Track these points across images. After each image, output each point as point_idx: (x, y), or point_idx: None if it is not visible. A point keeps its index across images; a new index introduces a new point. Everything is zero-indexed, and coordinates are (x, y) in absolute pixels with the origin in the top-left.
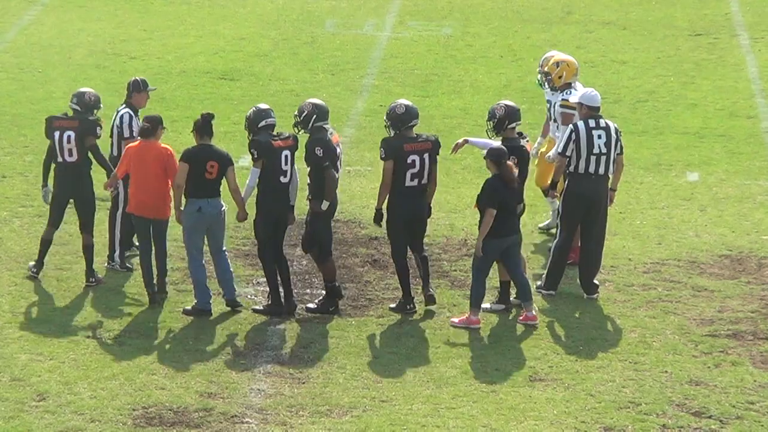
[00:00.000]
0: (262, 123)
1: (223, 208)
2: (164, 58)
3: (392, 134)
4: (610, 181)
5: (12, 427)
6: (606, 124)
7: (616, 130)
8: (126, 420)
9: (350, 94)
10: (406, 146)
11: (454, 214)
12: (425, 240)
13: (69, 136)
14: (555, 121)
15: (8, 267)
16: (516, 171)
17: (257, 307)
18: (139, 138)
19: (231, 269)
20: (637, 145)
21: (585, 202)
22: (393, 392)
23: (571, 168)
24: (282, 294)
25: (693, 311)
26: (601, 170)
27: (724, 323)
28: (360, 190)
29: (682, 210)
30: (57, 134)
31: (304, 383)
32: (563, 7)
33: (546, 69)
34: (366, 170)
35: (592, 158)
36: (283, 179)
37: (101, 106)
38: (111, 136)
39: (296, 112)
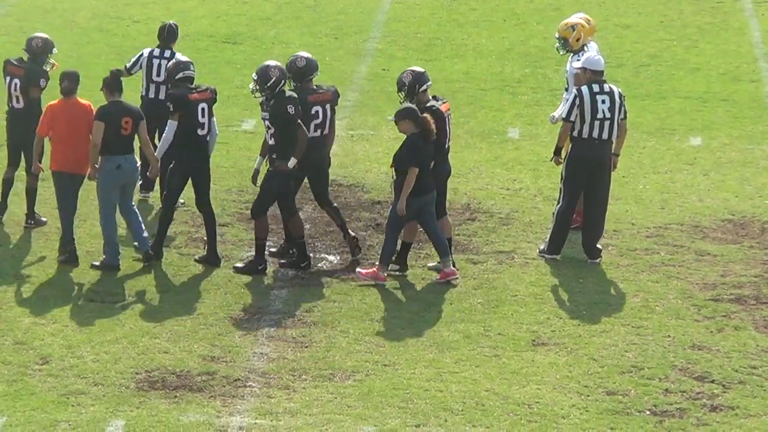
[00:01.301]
0: (180, 75)
1: (138, 164)
2: (166, 21)
3: (293, 86)
4: (613, 145)
5: (15, 391)
6: (610, 88)
7: (620, 95)
8: (129, 383)
9: (353, 58)
10: (309, 98)
11: (457, 179)
12: None
13: (15, 83)
14: (567, 83)
15: (12, 230)
16: (433, 124)
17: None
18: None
19: (142, 222)
20: (640, 110)
21: (588, 167)
22: (396, 356)
23: (575, 133)
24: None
25: (696, 276)
26: (605, 135)
27: (726, 288)
28: (363, 154)
29: (685, 174)
30: (8, 79)
31: (306, 347)
32: None
33: (562, 34)
34: (369, 134)
35: (596, 123)
36: (200, 131)
37: (53, 51)
38: (164, 82)
39: (256, 77)
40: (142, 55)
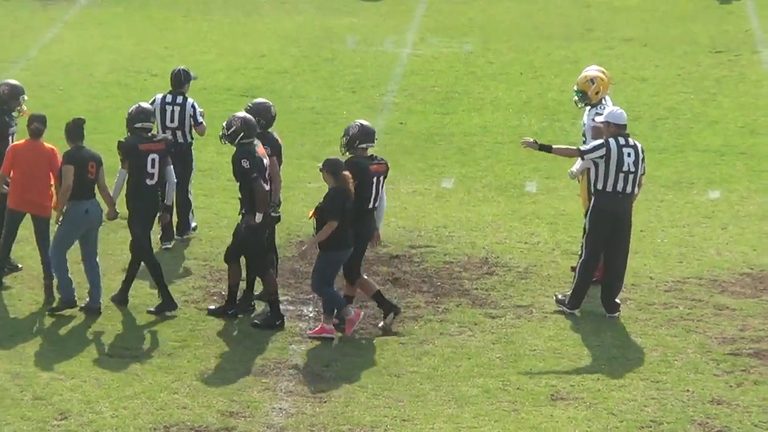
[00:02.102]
0: (138, 125)
1: (102, 211)
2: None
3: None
4: None
5: None
6: (634, 143)
7: (642, 150)
8: None
9: (370, 112)
10: (258, 150)
11: (475, 233)
12: None
13: None
14: (584, 136)
15: (29, 285)
16: (352, 183)
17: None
18: (30, 137)
19: (101, 277)
20: (658, 163)
21: (611, 220)
22: (414, 411)
23: (599, 185)
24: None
25: (714, 330)
26: (629, 188)
27: (745, 342)
28: None
29: (704, 228)
30: None
31: (325, 402)
32: (584, 23)
33: (581, 87)
34: (387, 188)
35: (621, 176)
36: (149, 181)
37: (23, 97)
38: (179, 128)
39: (224, 125)
40: (155, 100)
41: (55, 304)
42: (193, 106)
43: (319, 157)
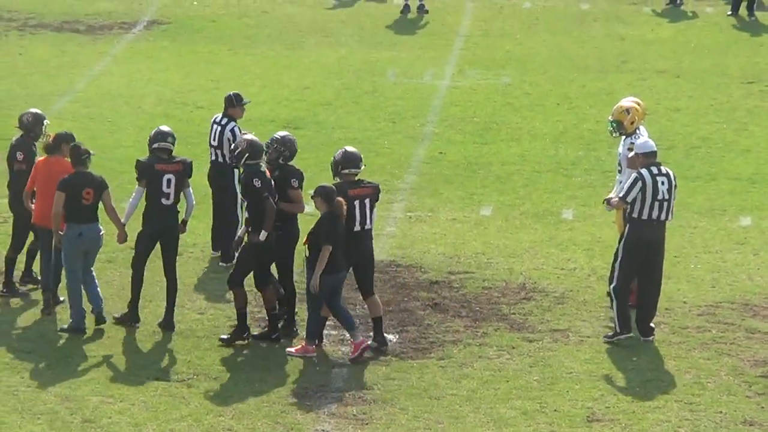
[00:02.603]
0: (155, 145)
1: (101, 233)
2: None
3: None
4: None
5: None
6: (666, 171)
7: (674, 177)
8: None
9: (411, 142)
10: (267, 173)
11: (513, 259)
12: None
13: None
14: (619, 165)
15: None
16: (345, 208)
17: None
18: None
19: (98, 286)
20: (691, 191)
21: (646, 248)
22: None
23: (635, 214)
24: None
25: (747, 353)
26: (663, 216)
27: None
28: (421, 235)
29: (736, 254)
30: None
31: (367, 424)
32: (618, 55)
33: (617, 117)
34: (426, 216)
35: (656, 204)
36: (164, 201)
37: (45, 122)
38: (218, 147)
39: (231, 147)
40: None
41: (66, 326)
42: (232, 131)
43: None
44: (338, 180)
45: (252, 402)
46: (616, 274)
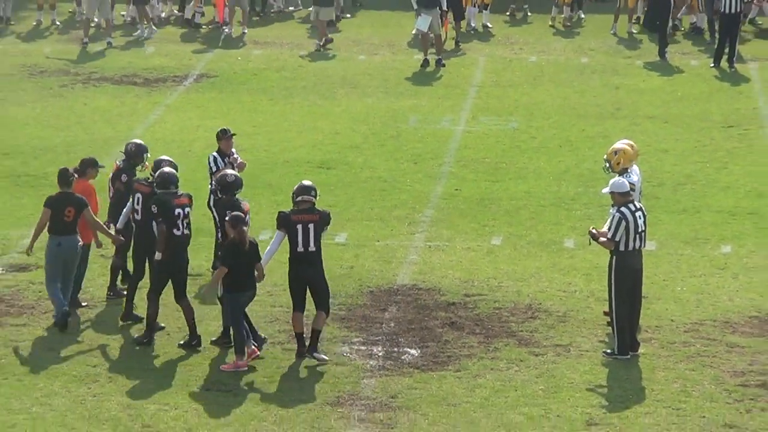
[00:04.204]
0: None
1: (79, 244)
2: (270, 150)
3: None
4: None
5: None
6: (639, 206)
7: (645, 210)
8: None
9: (430, 180)
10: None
11: (521, 283)
12: None
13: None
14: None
15: (138, 327)
16: (247, 235)
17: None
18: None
19: (68, 296)
20: (678, 222)
21: (632, 273)
22: None
23: (621, 247)
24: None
25: (727, 364)
26: (643, 245)
27: (754, 375)
28: (439, 262)
29: (717, 278)
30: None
31: (392, 428)
32: (613, 104)
33: (608, 157)
34: (444, 245)
35: (637, 236)
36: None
37: (147, 154)
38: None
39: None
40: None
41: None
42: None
43: (386, 219)
44: (294, 207)
45: (291, 409)
46: (612, 302)
